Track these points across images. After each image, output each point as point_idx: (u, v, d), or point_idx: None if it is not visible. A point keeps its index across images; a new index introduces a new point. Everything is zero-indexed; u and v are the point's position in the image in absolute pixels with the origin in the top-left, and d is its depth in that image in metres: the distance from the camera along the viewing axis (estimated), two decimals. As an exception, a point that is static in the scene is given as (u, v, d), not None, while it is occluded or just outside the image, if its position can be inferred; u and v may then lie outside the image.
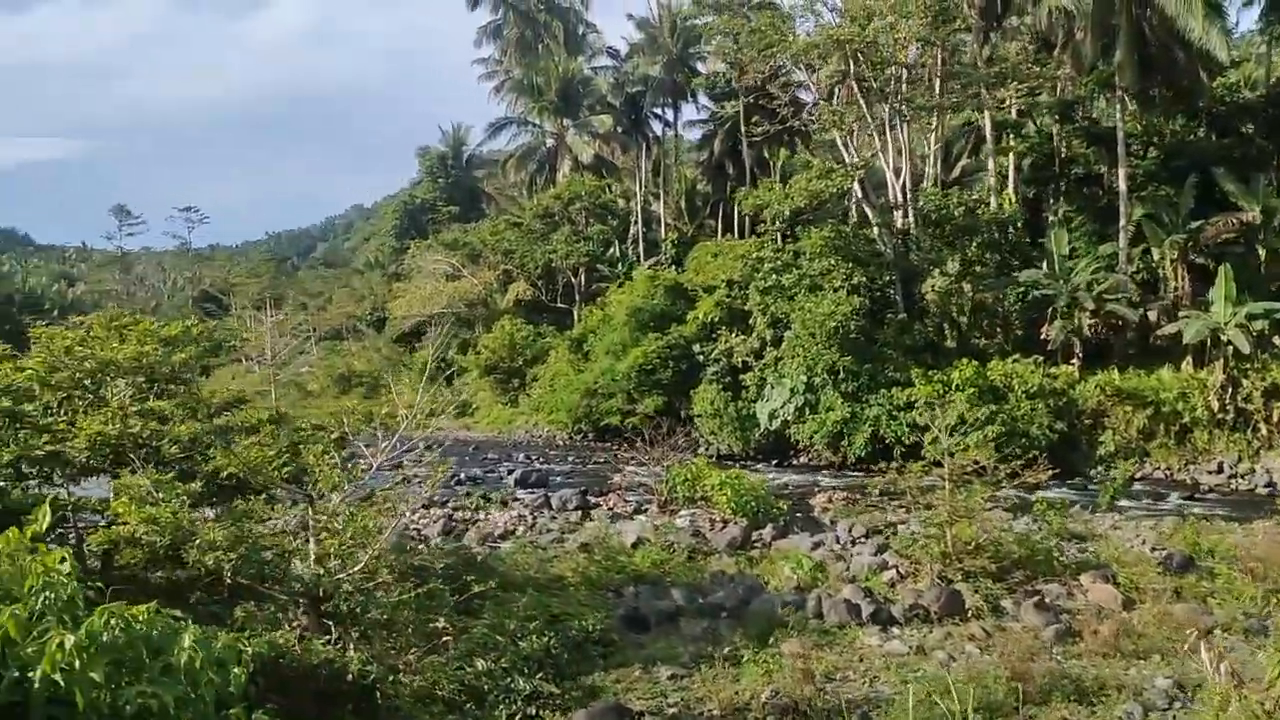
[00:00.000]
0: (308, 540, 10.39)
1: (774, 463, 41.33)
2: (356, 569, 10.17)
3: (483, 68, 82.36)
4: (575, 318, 62.41)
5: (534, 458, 43.92)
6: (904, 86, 39.01)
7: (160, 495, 10.44)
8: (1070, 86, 42.05)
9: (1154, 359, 40.62)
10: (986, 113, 43.76)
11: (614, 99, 74.00)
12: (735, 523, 25.36)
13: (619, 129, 70.87)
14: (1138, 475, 36.40)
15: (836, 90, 50.54)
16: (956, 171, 52.10)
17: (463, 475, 37.90)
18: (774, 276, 41.42)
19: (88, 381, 14.16)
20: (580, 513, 31.62)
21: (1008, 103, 44.48)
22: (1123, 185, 41.51)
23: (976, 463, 19.83)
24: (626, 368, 44.83)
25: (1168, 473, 36.63)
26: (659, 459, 30.64)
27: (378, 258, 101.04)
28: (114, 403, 13.50)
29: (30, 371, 13.97)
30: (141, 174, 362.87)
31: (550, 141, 70.70)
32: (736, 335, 44.18)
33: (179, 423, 14.33)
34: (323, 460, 11.28)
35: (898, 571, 19.06)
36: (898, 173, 41.63)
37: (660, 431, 40.95)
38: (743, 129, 68.49)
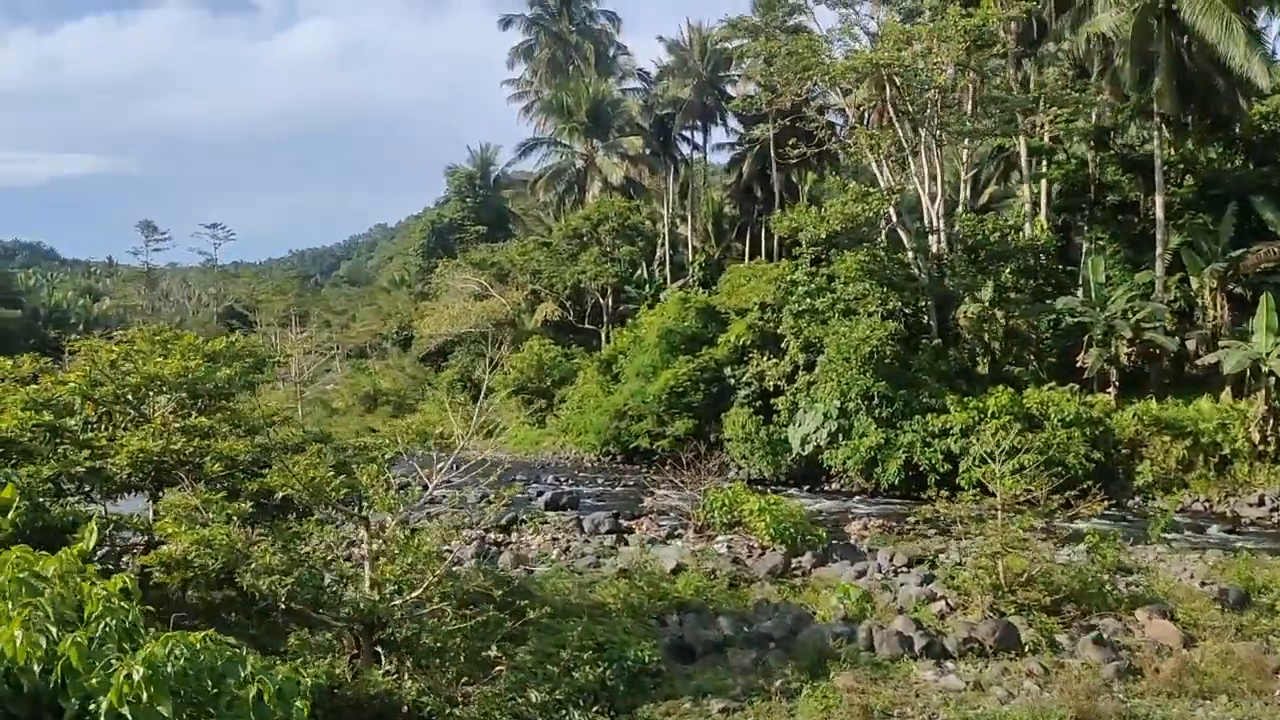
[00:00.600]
0: (361, 564, 10.07)
1: (805, 488, 40.85)
2: (414, 595, 9.84)
3: (512, 88, 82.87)
4: (603, 339, 62.20)
5: (563, 479, 43.61)
6: (940, 111, 38.65)
7: (210, 515, 10.15)
8: (1108, 113, 41.57)
9: (1189, 389, 40.03)
10: (1021, 138, 43.35)
11: (643, 121, 74.07)
12: (774, 549, 24.97)
13: (648, 151, 70.85)
14: (1176, 507, 35.75)
15: (867, 114, 50.46)
16: (985, 197, 51.76)
17: (490, 496, 37.62)
18: (807, 300, 41.07)
19: (130, 396, 13.94)
20: (613, 536, 31.32)
21: (1042, 129, 44.06)
22: (1160, 213, 41.02)
23: (1029, 492, 19.33)
24: (657, 390, 44.49)
25: (1207, 505, 35.94)
26: (690, 483, 30.24)
27: (403, 276, 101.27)
28: (156, 418, 13.27)
29: (72, 385, 13.78)
30: (166, 191, 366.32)
31: (579, 162, 70.71)
32: (768, 359, 43.80)
33: (222, 439, 14.10)
34: (378, 481, 10.98)
35: (946, 603, 18.59)
36: (933, 197, 41.24)
37: (690, 455, 40.70)
38: (773, 153, 68.48)
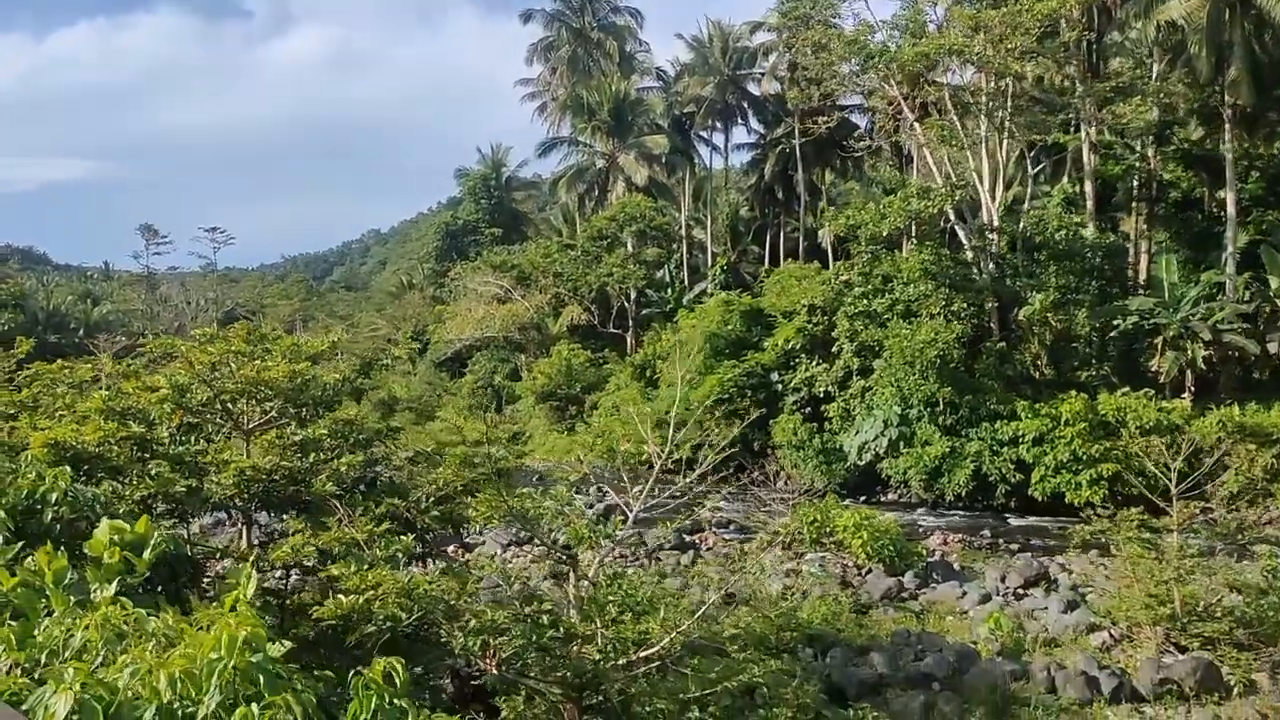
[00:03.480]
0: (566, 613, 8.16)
1: (861, 499, 38.90)
2: (645, 654, 7.90)
3: (525, 88, 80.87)
4: (629, 343, 60.23)
5: (604, 490, 41.61)
6: (1009, 101, 36.84)
7: (377, 552, 8.20)
8: (1181, 104, 39.75)
9: (1259, 394, 38.27)
10: (1084, 132, 41.54)
11: (662, 120, 72.21)
12: (871, 569, 23.13)
13: (671, 150, 69.01)
14: (1264, 519, 33.99)
15: (909, 109, 48.59)
16: (1009, 197, 49.94)
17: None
18: (864, 302, 39.17)
19: (229, 404, 11.96)
20: (677, 552, 29.49)
21: (1103, 123, 42.23)
22: (1231, 209, 39.28)
23: (1207, 507, 17.43)
24: (702, 396, 42.46)
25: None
26: (739, 494, 28.38)
27: (411, 280, 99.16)
28: (272, 432, 11.30)
29: (165, 392, 11.78)
30: (157, 197, 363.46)
31: (600, 162, 68.72)
32: (818, 363, 41.91)
33: (332, 454, 12.16)
34: (572, 509, 9.04)
35: (1110, 634, 16.67)
36: (993, 194, 39.39)
37: (738, 464, 38.57)
38: (798, 152, 66.74)
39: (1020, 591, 21.67)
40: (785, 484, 41.33)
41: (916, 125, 39.34)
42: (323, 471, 11.66)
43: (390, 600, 7.32)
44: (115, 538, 7.41)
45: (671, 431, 10.45)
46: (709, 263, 71.21)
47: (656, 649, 8.01)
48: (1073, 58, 37.42)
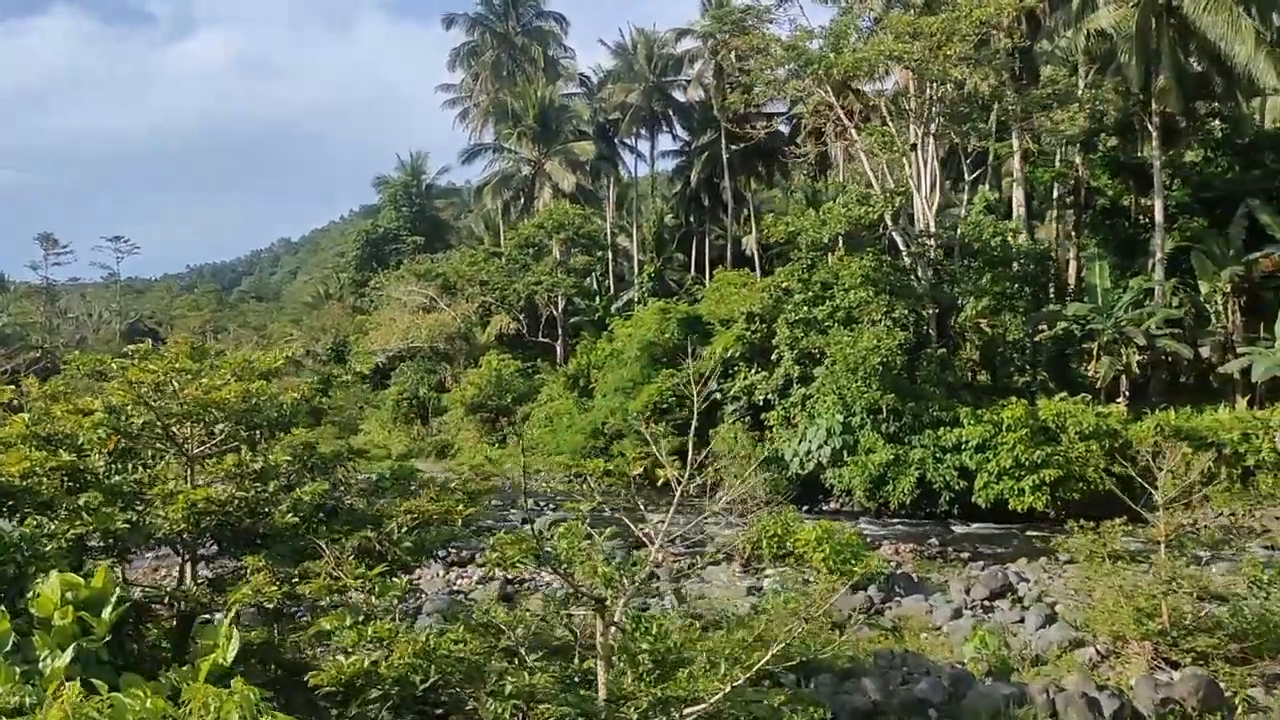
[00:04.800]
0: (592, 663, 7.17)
1: (803, 509, 38.40)
2: (690, 711, 6.93)
3: (446, 94, 79.21)
4: (558, 353, 59.13)
5: (543, 504, 40.42)
6: (945, 108, 36.79)
7: (375, 600, 7.09)
8: (1112, 112, 40.18)
9: (1187, 398, 38.86)
10: (1015, 140, 41.84)
11: (587, 127, 71.38)
12: (837, 585, 22.47)
13: (598, 157, 68.24)
14: (1201, 522, 34.32)
15: (832, 117, 48.51)
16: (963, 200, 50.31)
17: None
18: (804, 309, 38.72)
19: (173, 427, 10.72)
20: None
21: (1035, 131, 42.58)
22: (1159, 216, 39.86)
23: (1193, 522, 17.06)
24: (639, 406, 41.67)
25: (1232, 519, 34.54)
26: (685, 506, 27.55)
27: (329, 289, 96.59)
28: (229, 459, 10.11)
29: (100, 416, 10.49)
30: (55, 205, 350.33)
31: (526, 169, 67.52)
32: (757, 371, 41.38)
33: (291, 481, 11.02)
34: (591, 548, 8.05)
35: (1096, 651, 16.20)
36: (929, 202, 39.32)
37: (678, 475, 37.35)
38: (725, 158, 66.48)
39: (987, 604, 21.22)
40: (725, 494, 40.68)
41: (853, 131, 39.06)
42: (283, 501, 10.48)
43: (404, 662, 6.26)
44: (68, 594, 6.25)
45: (691, 454, 9.49)
46: (634, 271, 70.54)
47: (705, 706, 7.08)
48: (1004, 65, 37.49)
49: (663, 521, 8.72)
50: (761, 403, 41.06)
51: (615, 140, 72.46)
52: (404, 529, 10.85)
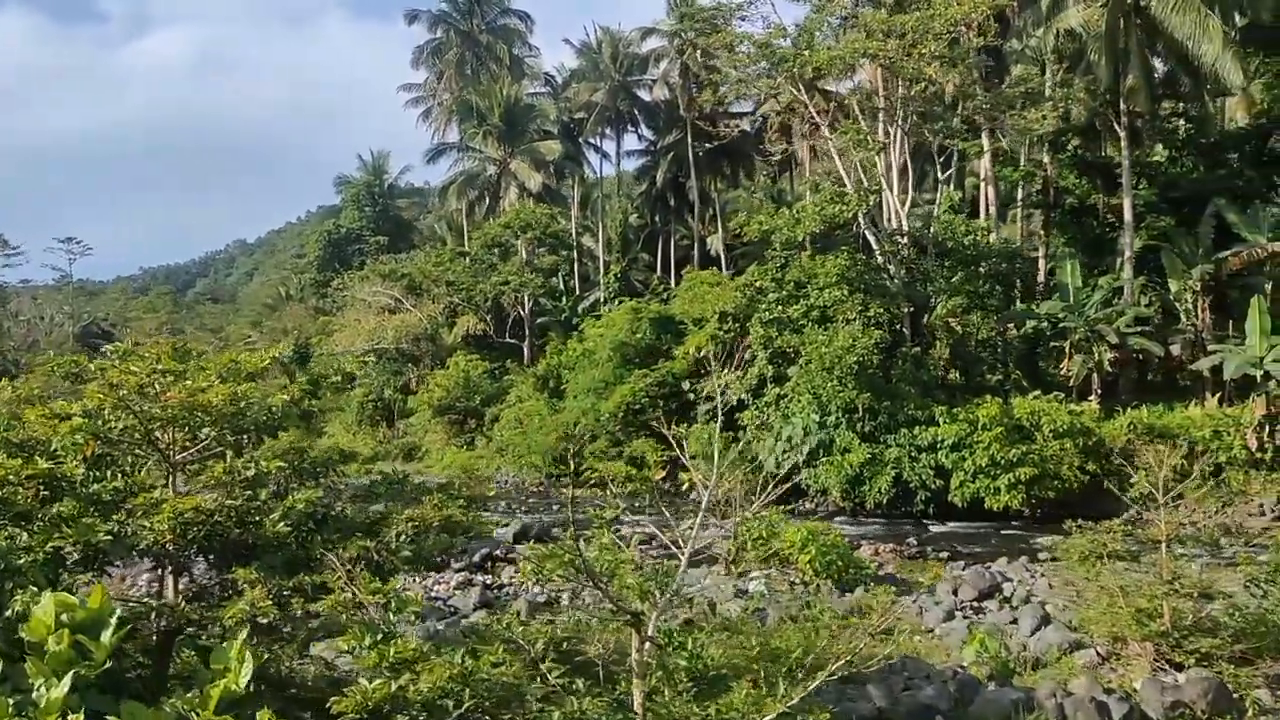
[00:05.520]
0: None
1: (779, 509, 38.13)
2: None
3: (408, 93, 78.27)
4: (525, 353, 58.51)
5: (514, 506, 39.88)
6: (920, 106, 36.71)
7: (391, 615, 6.59)
8: (1082, 112, 40.30)
9: (1156, 395, 39.10)
10: (985, 139, 41.91)
11: (552, 126, 70.82)
12: (820, 585, 22.23)
13: (564, 156, 67.70)
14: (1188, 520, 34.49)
15: (800, 115, 48.39)
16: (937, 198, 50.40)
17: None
18: (778, 308, 38.46)
19: (156, 432, 10.15)
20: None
21: (1006, 128, 42.64)
22: (1128, 215, 40.03)
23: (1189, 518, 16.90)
24: (612, 407, 41.24)
25: (1204, 516, 34.70)
26: (654, 507, 27.26)
27: (289, 291, 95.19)
28: (218, 466, 9.57)
29: (79, 421, 9.88)
30: (3, 206, 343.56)
31: (492, 168, 66.79)
32: (731, 371, 41.10)
33: (283, 488, 10.50)
34: (622, 556, 7.58)
35: (1096, 653, 15.98)
36: (901, 200, 39.22)
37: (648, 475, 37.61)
38: (691, 157, 66.24)
39: (977, 605, 21.00)
40: (697, 495, 40.44)
41: (825, 130, 38.86)
42: (274, 509, 9.93)
43: (436, 686, 5.75)
44: (63, 616, 5.70)
45: (716, 459, 9.04)
46: (599, 271, 70.13)
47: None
48: (975, 64, 37.48)
49: (690, 528, 8.26)
50: (736, 403, 40.77)
51: (580, 140, 71.97)
52: (403, 537, 10.34)
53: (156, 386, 10.16)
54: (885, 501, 35.83)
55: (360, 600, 6.87)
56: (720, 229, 68.70)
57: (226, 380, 10.56)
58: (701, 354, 41.28)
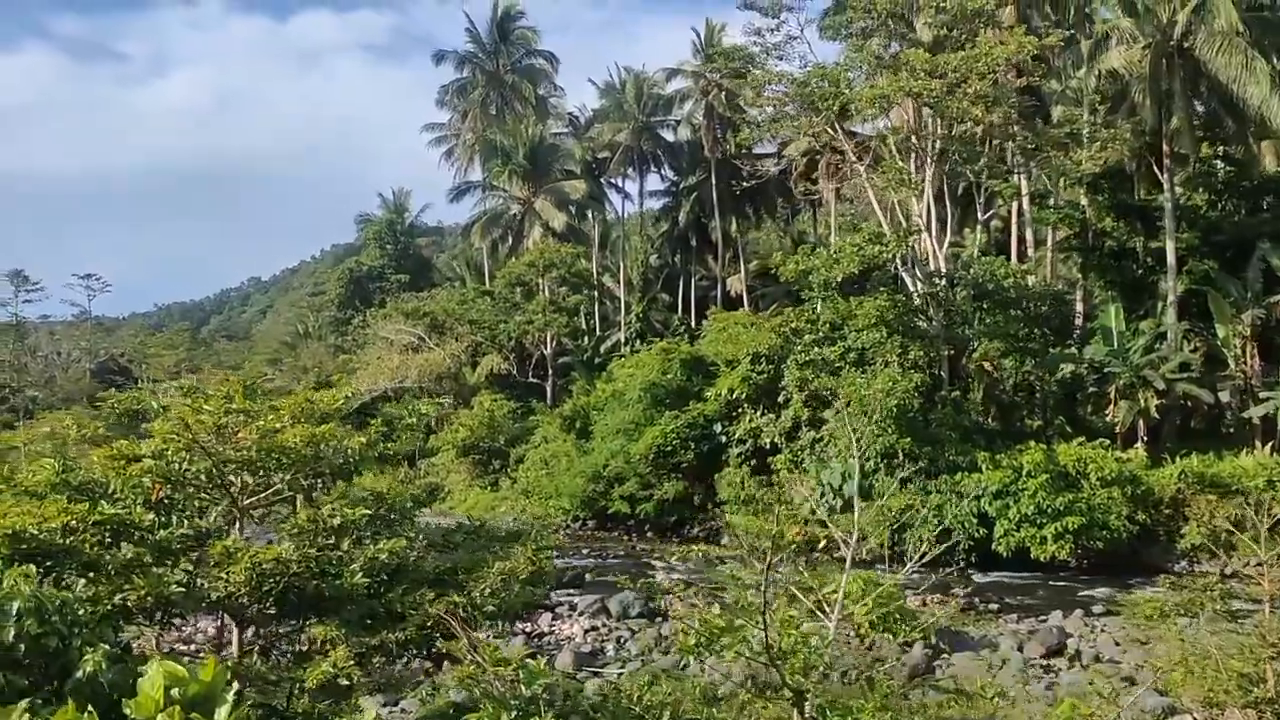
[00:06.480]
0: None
1: (811, 555, 37.21)
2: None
3: (431, 133, 78.20)
4: (548, 394, 57.82)
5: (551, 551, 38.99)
6: (964, 147, 36.23)
7: (524, 689, 5.83)
8: (1126, 154, 39.74)
9: (1200, 442, 38.18)
10: (1023, 180, 41.39)
11: (576, 166, 70.66)
12: (875, 640, 21.32)
13: (589, 195, 67.49)
14: (1226, 571, 33.45)
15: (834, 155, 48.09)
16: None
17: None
18: (814, 349, 37.75)
19: (231, 474, 9.48)
20: (644, 620, 27.21)
21: (1039, 172, 42.13)
22: (1171, 258, 39.40)
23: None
24: (643, 449, 40.45)
25: (1259, 569, 33.64)
26: (682, 552, 26.57)
27: (308, 328, 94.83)
28: (302, 514, 8.86)
29: (150, 464, 9.19)
30: (19, 242, 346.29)
31: (516, 207, 66.55)
32: (762, 413, 40.31)
33: (365, 536, 9.81)
34: (800, 635, 6.82)
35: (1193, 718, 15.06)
36: (940, 241, 38.63)
37: (678, 519, 36.56)
38: (715, 198, 65.88)
39: (1046, 662, 20.13)
40: (730, 541, 39.52)
41: (864, 170, 38.37)
42: (355, 559, 9.21)
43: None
44: (173, 691, 4.97)
45: (856, 513, 8.32)
46: (619, 311, 69.70)
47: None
48: (1016, 105, 37.01)
49: (836, 589, 7.51)
50: (768, 446, 39.97)
51: (601, 179, 71.82)
52: (490, 592, 9.60)
53: (231, 427, 9.49)
54: (927, 550, 34.81)
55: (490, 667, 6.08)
56: (742, 269, 68.27)
57: (298, 421, 9.88)
58: (734, 396, 40.50)
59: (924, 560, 34.42)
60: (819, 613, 7.83)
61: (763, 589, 6.79)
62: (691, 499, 41.98)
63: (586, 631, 24.29)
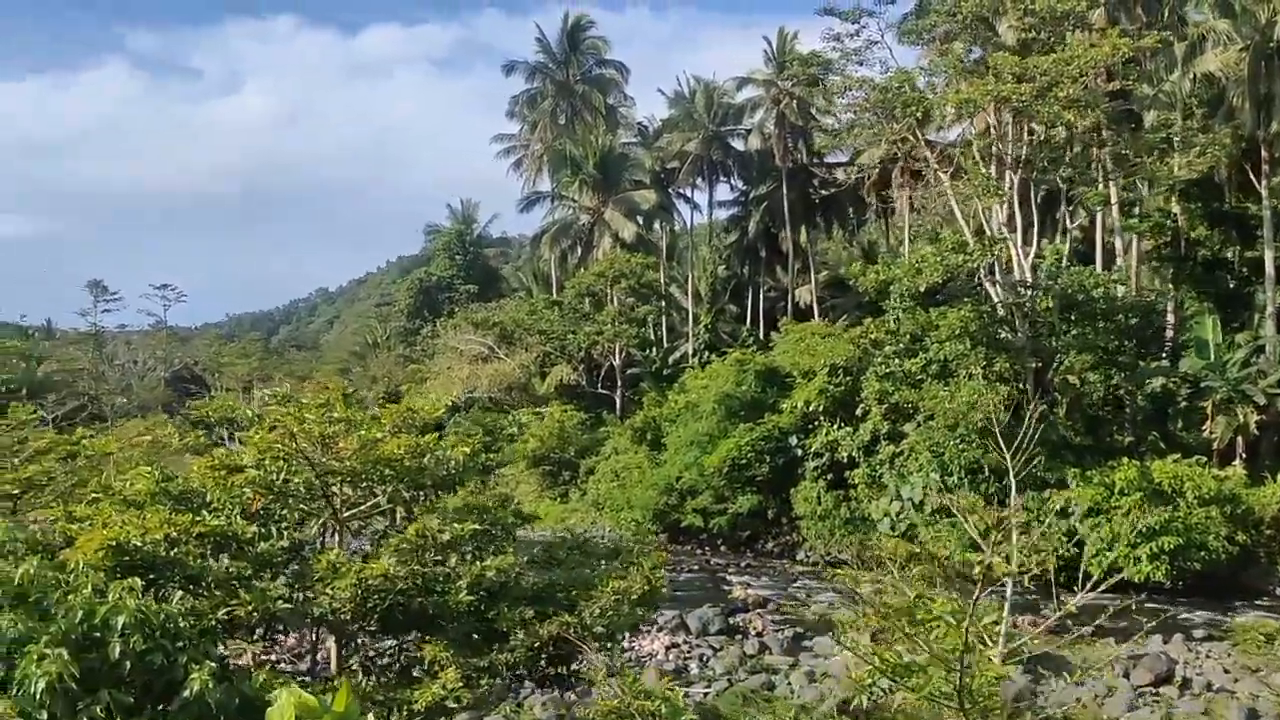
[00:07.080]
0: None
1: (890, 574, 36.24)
2: None
3: (500, 143, 78.40)
4: (617, 404, 57.42)
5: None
6: (1053, 153, 35.15)
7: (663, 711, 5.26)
8: (1222, 161, 38.27)
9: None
10: (1112, 187, 40.06)
11: (645, 176, 70.34)
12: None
13: (659, 205, 67.12)
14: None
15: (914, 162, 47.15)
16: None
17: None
18: (895, 361, 36.83)
19: (334, 487, 9.06)
20: (724, 637, 26.57)
21: (1131, 179, 40.75)
22: (1270, 268, 37.92)
23: None
24: (717, 461, 39.81)
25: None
26: (760, 567, 25.83)
27: (376, 338, 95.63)
28: (412, 528, 8.43)
29: (251, 474, 8.82)
30: (99, 254, 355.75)
31: (585, 217, 66.39)
32: (839, 427, 39.44)
33: (466, 551, 9.34)
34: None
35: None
36: (1026, 250, 37.48)
37: (750, 534, 35.66)
38: (786, 207, 65.08)
39: (1155, 692, 19.12)
40: (807, 557, 38.71)
41: (946, 178, 37.41)
42: (462, 577, 8.75)
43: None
44: (307, 727, 4.53)
45: (1015, 539, 7.66)
46: (685, 322, 69.10)
47: None
48: (1108, 110, 35.80)
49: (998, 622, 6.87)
50: (845, 460, 39.10)
51: (670, 189, 71.41)
52: (600, 613, 9.08)
53: (333, 437, 9.10)
54: (1098, 578, 33.62)
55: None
56: (812, 279, 67.39)
57: (399, 431, 9.46)
58: (811, 408, 39.69)
59: (1095, 588, 32.83)
60: (983, 644, 7.15)
61: (965, 628, 6.18)
62: (766, 513, 41.25)
63: (668, 649, 23.71)
